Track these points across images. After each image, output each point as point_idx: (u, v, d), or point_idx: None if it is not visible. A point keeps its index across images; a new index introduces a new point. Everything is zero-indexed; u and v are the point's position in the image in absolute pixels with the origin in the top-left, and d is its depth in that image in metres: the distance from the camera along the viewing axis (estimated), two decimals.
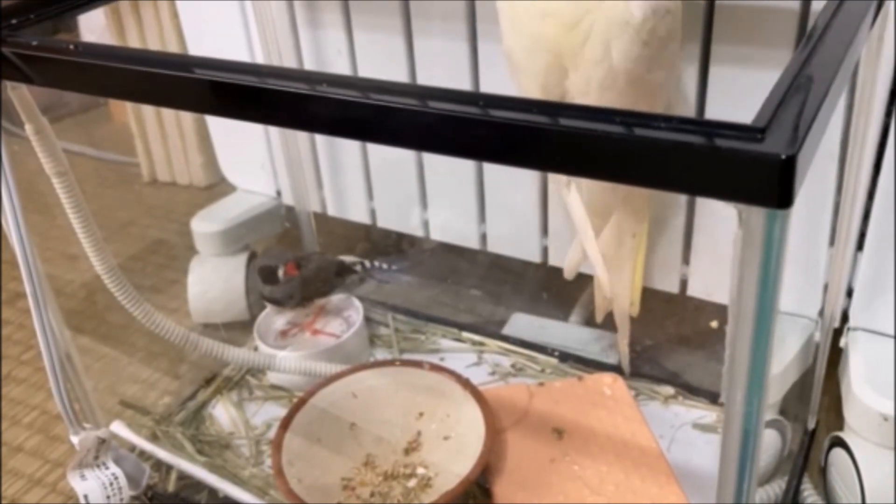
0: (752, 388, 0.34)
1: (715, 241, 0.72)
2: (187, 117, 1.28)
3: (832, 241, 0.68)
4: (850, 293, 0.71)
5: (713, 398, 0.77)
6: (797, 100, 0.32)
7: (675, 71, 0.62)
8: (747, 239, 0.31)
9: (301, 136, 0.92)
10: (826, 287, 0.70)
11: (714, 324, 0.74)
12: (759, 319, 0.32)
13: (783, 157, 0.29)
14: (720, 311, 0.77)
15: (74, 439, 0.64)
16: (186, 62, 0.45)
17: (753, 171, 0.29)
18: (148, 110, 1.32)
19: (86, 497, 0.63)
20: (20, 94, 0.54)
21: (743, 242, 0.31)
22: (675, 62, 0.60)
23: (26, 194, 0.57)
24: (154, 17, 1.22)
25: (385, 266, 0.89)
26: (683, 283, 0.78)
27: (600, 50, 0.55)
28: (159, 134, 1.33)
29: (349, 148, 0.90)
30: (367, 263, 0.88)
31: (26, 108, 0.55)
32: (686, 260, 0.76)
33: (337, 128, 0.41)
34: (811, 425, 0.74)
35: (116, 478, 0.65)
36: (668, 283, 0.78)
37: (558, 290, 0.91)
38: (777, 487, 0.68)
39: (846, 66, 0.37)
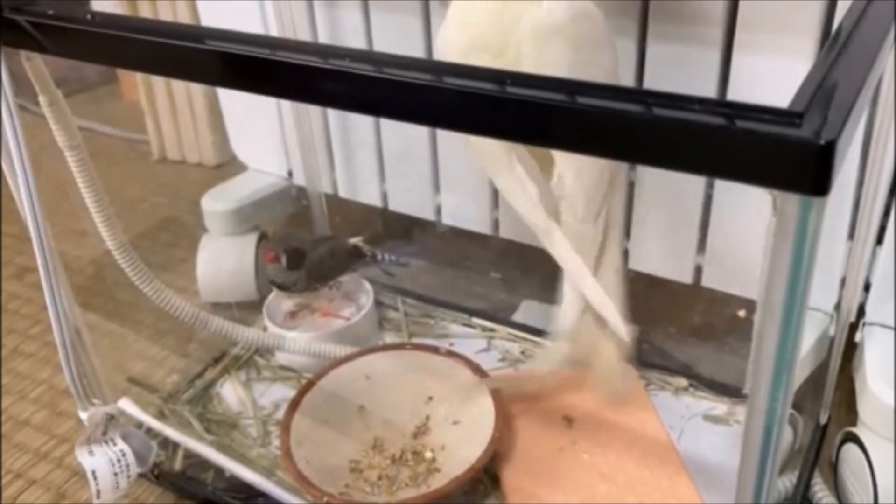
0: (778, 380, 0.34)
1: (734, 229, 0.71)
2: (199, 95, 1.27)
3: (851, 235, 0.67)
4: (867, 287, 0.70)
5: (724, 390, 0.77)
6: (835, 85, 0.32)
7: (614, 78, 0.60)
8: (781, 226, 0.30)
9: (314, 116, 0.91)
10: (843, 281, 0.69)
11: (742, 313, 0.74)
12: (788, 309, 0.32)
13: (822, 142, 0.28)
14: (734, 301, 0.76)
15: (83, 415, 0.64)
16: (203, 34, 0.44)
17: (791, 156, 0.28)
18: (159, 87, 1.31)
19: (93, 473, 0.63)
20: (35, 65, 0.54)
21: (776, 230, 0.30)
22: (611, 69, 0.59)
23: (35, 169, 0.56)
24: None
25: (394, 258, 0.88)
26: (697, 273, 0.77)
27: (532, 65, 0.55)
28: (170, 111, 1.32)
29: (362, 129, 0.89)
30: (379, 255, 0.87)
31: (40, 79, 0.55)
32: (701, 249, 0.75)
33: (353, 103, 0.41)
34: (823, 420, 0.73)
35: (124, 454, 0.65)
36: (681, 273, 0.77)
37: None
38: (787, 482, 0.67)
39: (883, 53, 0.36)
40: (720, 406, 0.75)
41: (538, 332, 0.85)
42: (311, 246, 0.83)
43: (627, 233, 0.78)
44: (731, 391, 0.76)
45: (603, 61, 0.57)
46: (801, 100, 0.30)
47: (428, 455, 0.70)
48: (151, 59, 0.46)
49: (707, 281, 0.76)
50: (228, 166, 1.24)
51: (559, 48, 0.54)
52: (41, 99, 0.56)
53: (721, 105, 0.30)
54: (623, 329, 0.64)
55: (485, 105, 0.35)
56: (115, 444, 0.65)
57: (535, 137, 0.34)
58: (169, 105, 1.31)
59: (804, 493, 0.68)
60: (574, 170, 0.60)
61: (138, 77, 1.34)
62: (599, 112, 0.31)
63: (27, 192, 0.55)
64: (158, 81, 1.31)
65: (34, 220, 0.56)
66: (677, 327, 0.86)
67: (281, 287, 0.83)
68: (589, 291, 0.63)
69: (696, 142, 0.30)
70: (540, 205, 0.60)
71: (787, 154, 0.28)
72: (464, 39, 0.58)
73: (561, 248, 0.62)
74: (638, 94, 0.31)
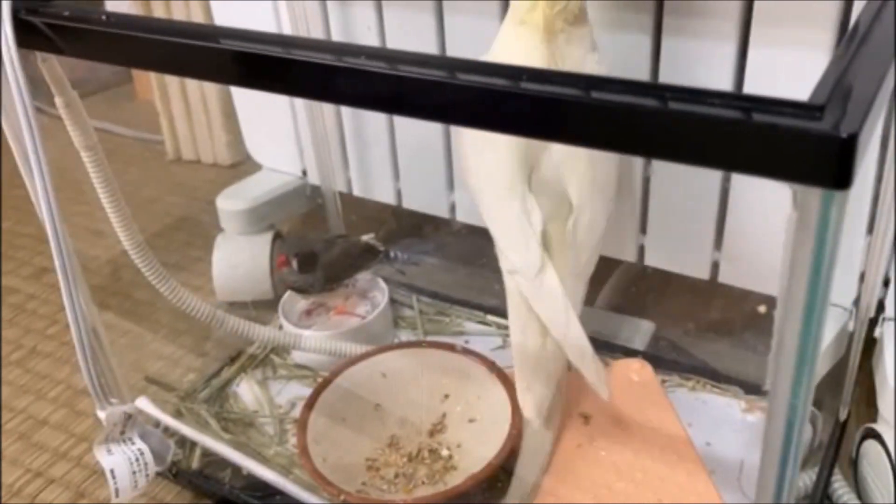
0: (799, 376, 0.33)
1: (750, 224, 0.71)
2: (213, 95, 1.28)
3: (870, 230, 0.66)
4: (886, 283, 0.69)
5: (743, 386, 0.76)
6: (855, 78, 0.31)
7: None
8: (802, 221, 0.30)
9: (327, 115, 0.91)
10: (862, 276, 0.68)
11: (762, 308, 0.73)
12: (809, 304, 0.31)
13: (844, 135, 0.27)
14: (751, 297, 0.76)
15: (101, 414, 0.64)
16: (217, 33, 0.44)
17: (812, 150, 0.28)
18: (173, 88, 1.32)
19: (112, 471, 0.63)
20: (50, 66, 0.54)
21: (797, 225, 0.30)
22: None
23: (51, 170, 0.56)
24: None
25: (406, 256, 0.89)
26: (714, 269, 0.76)
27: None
28: (184, 112, 1.33)
29: (376, 127, 0.89)
30: (392, 253, 0.88)
31: (56, 80, 0.55)
32: (718, 245, 0.74)
33: (368, 100, 0.40)
34: (843, 416, 0.73)
35: (142, 453, 0.65)
36: (698, 269, 0.77)
37: None
38: (807, 478, 0.67)
39: None
40: (739, 403, 0.75)
41: None
42: (323, 246, 0.83)
43: (644, 229, 0.77)
44: (749, 388, 0.76)
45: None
46: (822, 93, 0.30)
47: (444, 453, 0.70)
48: (166, 58, 0.46)
49: (724, 277, 0.76)
50: (243, 165, 1.24)
51: None
52: (57, 100, 0.56)
53: (740, 99, 0.29)
54: (605, 390, 0.62)
55: (500, 101, 0.34)
56: (133, 443, 0.66)
57: (551, 133, 0.34)
58: (183, 105, 1.32)
59: (824, 489, 0.68)
60: (587, 219, 0.60)
61: (153, 77, 1.35)
62: (616, 107, 0.31)
63: (44, 192, 0.55)
64: (172, 81, 1.31)
65: (51, 220, 0.56)
66: (695, 323, 0.86)
67: (297, 290, 0.83)
68: (570, 338, 0.61)
69: (715, 136, 0.29)
70: (540, 239, 0.60)
71: (808, 147, 0.28)
72: None
73: (552, 287, 0.60)
74: (655, 89, 0.31)
